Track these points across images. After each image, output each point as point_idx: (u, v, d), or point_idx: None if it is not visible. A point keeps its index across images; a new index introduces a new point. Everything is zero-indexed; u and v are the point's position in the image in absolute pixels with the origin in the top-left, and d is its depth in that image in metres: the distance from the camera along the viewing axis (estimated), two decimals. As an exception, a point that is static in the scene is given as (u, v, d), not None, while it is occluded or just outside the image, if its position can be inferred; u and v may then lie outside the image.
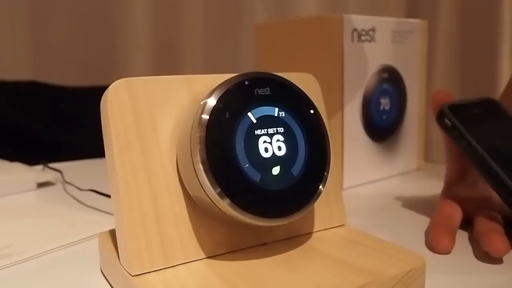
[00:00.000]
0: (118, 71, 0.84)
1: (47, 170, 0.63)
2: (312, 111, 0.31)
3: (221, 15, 0.88)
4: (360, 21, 0.52)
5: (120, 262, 0.28)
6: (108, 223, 0.41)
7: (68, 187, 0.55)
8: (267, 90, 0.29)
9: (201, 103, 0.28)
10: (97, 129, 0.30)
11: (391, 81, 0.57)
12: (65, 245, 0.38)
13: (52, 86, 0.82)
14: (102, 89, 0.29)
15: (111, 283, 0.31)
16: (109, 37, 0.84)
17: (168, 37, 0.87)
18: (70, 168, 0.64)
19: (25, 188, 0.55)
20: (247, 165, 0.27)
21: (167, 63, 0.87)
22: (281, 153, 0.29)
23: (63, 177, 0.58)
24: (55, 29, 0.81)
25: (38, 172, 0.60)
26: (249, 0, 0.88)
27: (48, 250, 0.37)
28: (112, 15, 0.83)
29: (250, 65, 0.86)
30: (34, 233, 0.41)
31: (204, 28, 0.87)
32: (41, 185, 0.57)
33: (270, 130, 0.29)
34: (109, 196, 0.43)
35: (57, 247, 0.37)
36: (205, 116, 0.27)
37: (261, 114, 0.29)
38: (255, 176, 0.27)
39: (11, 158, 0.65)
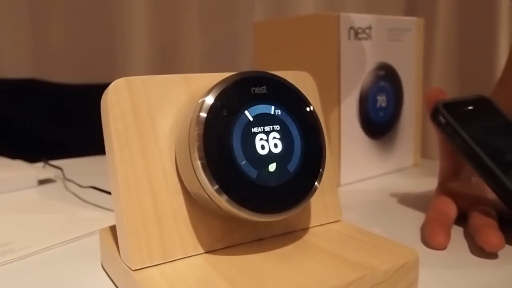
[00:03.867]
0: (117, 69, 0.85)
1: (47, 167, 0.64)
2: (308, 109, 0.31)
3: (219, 12, 0.88)
4: (357, 19, 0.53)
5: (120, 257, 0.29)
6: (109, 220, 0.41)
7: (69, 184, 0.56)
8: (263, 88, 0.30)
9: (199, 101, 0.28)
10: (97, 126, 0.30)
11: (387, 78, 0.58)
12: (66, 241, 0.38)
13: (52, 83, 0.83)
14: (102, 87, 0.29)
15: (112, 277, 0.31)
16: (108, 35, 0.84)
17: (167, 35, 0.87)
18: (71, 165, 0.65)
19: (26, 185, 0.56)
20: (244, 162, 0.28)
21: (165, 60, 0.88)
22: (278, 150, 0.29)
23: (63, 174, 0.58)
24: (55, 27, 0.82)
25: (39, 169, 0.60)
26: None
27: (50, 246, 0.37)
28: (111, 13, 0.84)
29: (248, 63, 0.87)
30: (36, 229, 0.41)
31: (202, 26, 0.88)
32: (42, 182, 0.58)
33: (267, 128, 0.29)
34: (109, 193, 0.43)
35: (59, 243, 0.38)
36: (203, 114, 0.28)
37: (258, 112, 0.29)
38: (252, 172, 0.28)
39: (12, 155, 0.66)
